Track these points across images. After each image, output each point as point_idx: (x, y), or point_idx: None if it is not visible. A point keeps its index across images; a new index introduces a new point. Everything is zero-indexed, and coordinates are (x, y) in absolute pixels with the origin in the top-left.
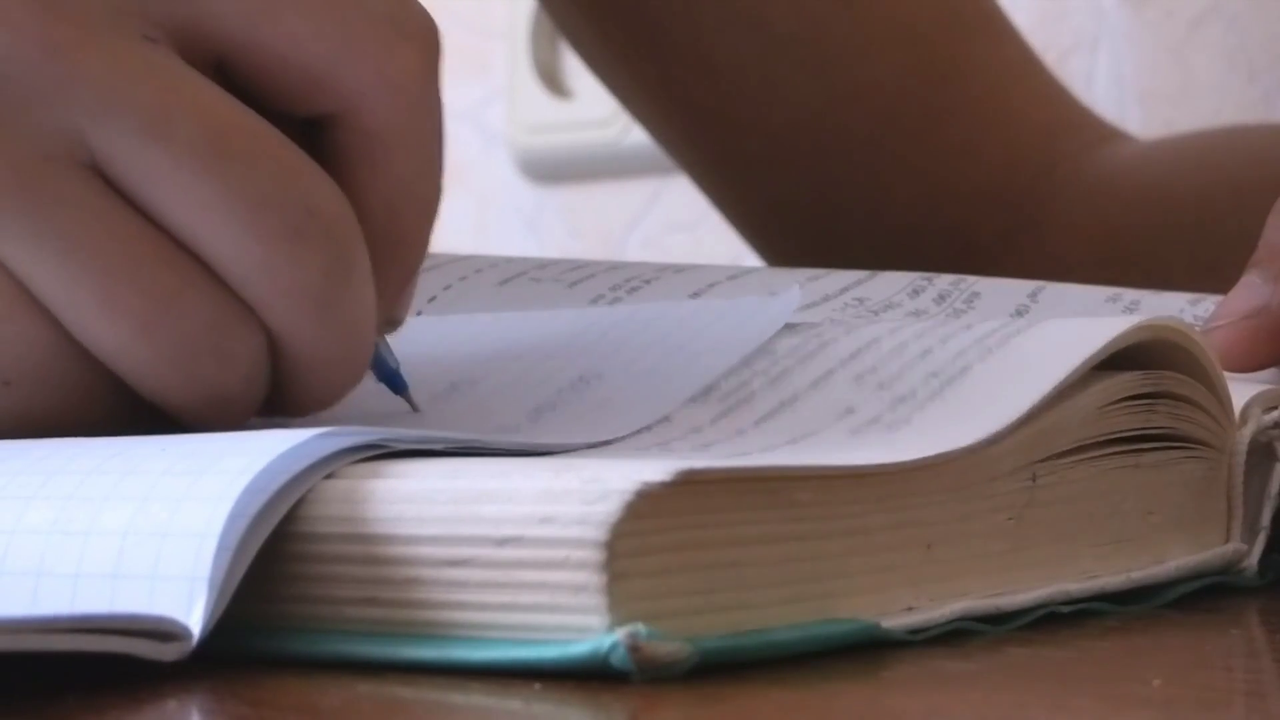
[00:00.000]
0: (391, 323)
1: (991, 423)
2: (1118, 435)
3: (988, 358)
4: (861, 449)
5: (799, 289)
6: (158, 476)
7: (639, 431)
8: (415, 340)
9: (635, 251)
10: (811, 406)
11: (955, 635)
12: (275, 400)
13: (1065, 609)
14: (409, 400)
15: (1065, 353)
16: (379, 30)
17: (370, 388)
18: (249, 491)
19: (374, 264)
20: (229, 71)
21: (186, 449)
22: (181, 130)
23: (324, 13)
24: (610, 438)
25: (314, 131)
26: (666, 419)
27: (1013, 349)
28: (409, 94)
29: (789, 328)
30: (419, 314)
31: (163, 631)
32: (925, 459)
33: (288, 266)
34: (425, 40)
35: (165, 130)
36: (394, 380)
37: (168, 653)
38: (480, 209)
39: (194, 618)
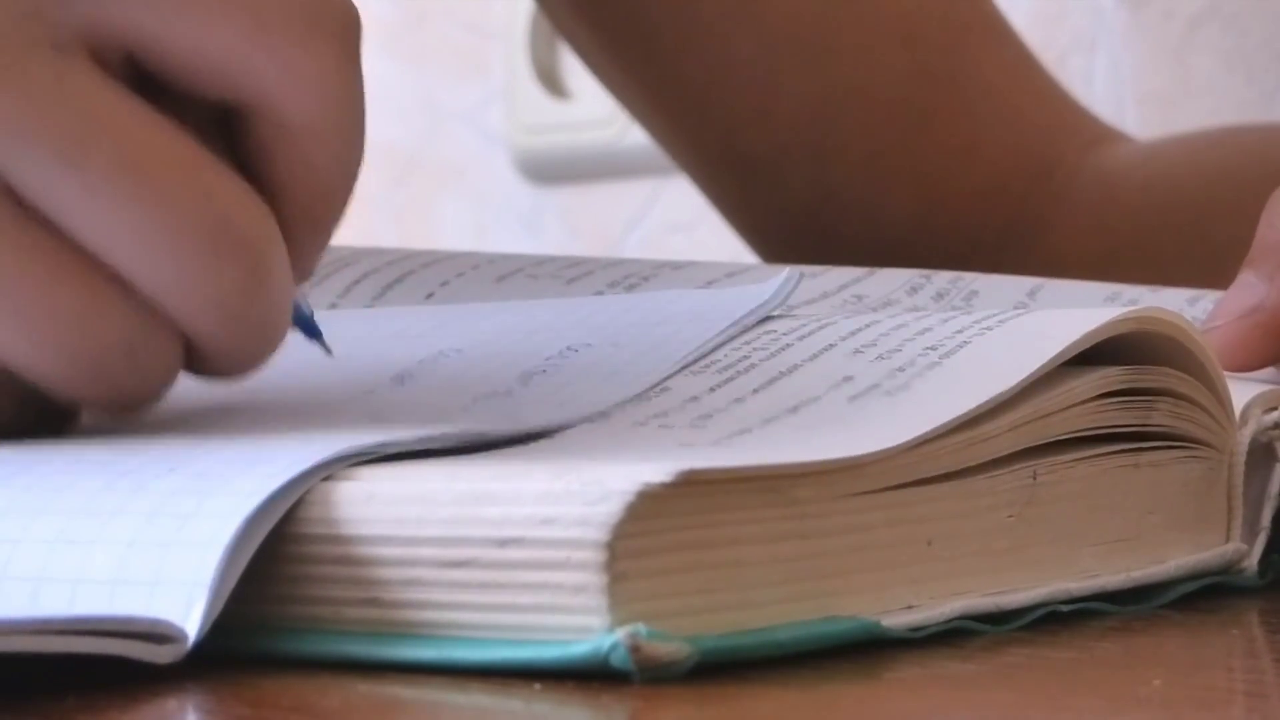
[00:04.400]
0: (302, 275)
1: (988, 390)
2: (1118, 432)
3: (987, 334)
4: (860, 420)
5: (795, 269)
6: (166, 496)
7: (635, 399)
8: (403, 322)
9: (634, 252)
10: (810, 375)
11: (955, 635)
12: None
13: (1065, 608)
14: (323, 346)
15: (1062, 331)
16: (293, 23)
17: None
18: (244, 494)
19: (290, 245)
20: (140, 63)
21: (198, 469)
22: (97, 158)
23: (235, 6)
24: (604, 407)
25: (229, 117)
26: (665, 389)
27: (1011, 328)
28: (325, 87)
29: (788, 314)
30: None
31: (158, 634)
32: (923, 435)
33: (205, 281)
34: (343, 31)
35: (80, 159)
36: (308, 326)
37: (163, 655)
38: (479, 209)
39: (190, 621)
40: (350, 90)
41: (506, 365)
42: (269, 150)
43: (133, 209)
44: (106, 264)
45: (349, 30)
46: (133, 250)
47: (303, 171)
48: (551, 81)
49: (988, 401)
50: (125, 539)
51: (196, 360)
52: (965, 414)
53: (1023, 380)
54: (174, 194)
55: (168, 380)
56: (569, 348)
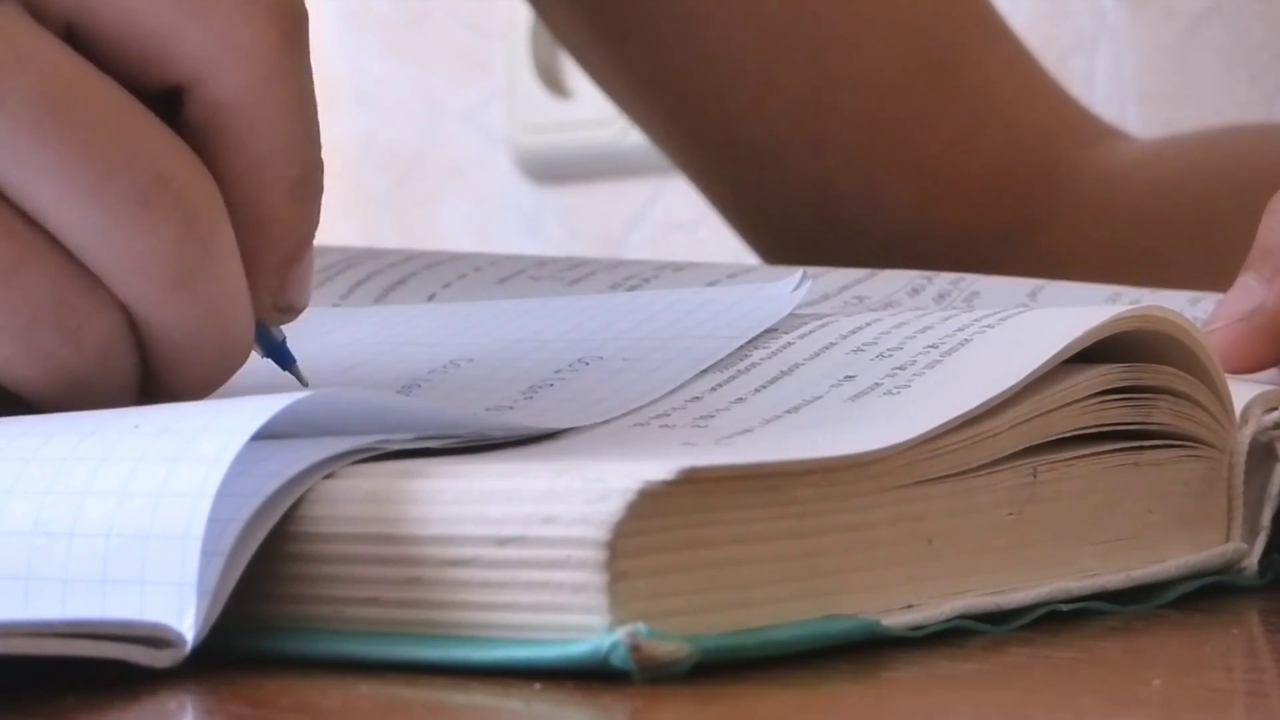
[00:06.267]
0: (285, 310)
1: (990, 388)
2: (1118, 430)
3: (988, 332)
4: (862, 418)
5: (803, 271)
6: (134, 464)
7: (639, 408)
8: (421, 327)
9: (635, 251)
10: (811, 374)
11: (956, 634)
12: (153, 386)
13: (1065, 608)
14: (297, 375)
15: (1064, 329)
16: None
17: (260, 364)
18: (243, 495)
19: (245, 246)
20: (81, 43)
21: (159, 424)
22: (16, 91)
23: None
24: (607, 417)
25: (177, 108)
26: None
27: (1012, 326)
28: (259, 64)
29: (790, 315)
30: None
31: (156, 638)
32: (925, 433)
33: (134, 236)
34: (282, 10)
35: (1, 92)
36: (280, 353)
37: (162, 659)
38: (480, 209)
39: (186, 624)
40: (289, 70)
41: (515, 378)
42: (206, 134)
43: (54, 148)
44: (33, 214)
45: (290, 9)
46: (57, 196)
47: (240, 157)
48: (553, 81)
49: (990, 399)
50: (102, 530)
51: (153, 369)
52: (967, 412)
53: (1025, 378)
54: (99, 137)
55: (109, 356)
56: (580, 360)
